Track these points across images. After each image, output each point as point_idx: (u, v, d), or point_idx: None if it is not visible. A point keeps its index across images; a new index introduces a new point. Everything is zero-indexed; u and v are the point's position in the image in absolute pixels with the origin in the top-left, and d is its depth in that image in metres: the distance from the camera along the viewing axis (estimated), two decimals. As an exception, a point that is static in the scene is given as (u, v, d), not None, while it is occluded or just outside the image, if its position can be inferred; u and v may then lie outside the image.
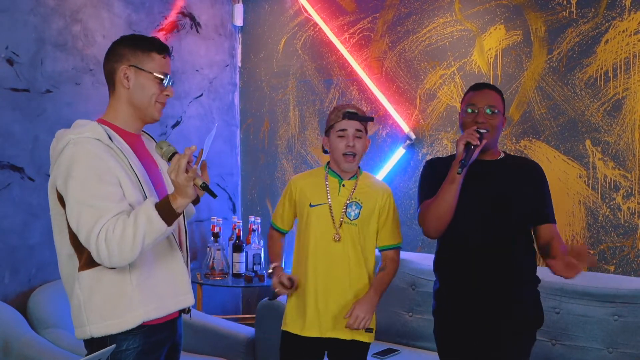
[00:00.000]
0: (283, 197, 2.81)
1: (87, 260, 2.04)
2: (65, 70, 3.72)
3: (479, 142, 2.42)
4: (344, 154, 2.63)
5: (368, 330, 2.62)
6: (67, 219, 2.05)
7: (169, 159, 2.02)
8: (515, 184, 2.54)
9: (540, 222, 2.55)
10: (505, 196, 2.51)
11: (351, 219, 2.64)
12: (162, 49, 2.19)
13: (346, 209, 2.64)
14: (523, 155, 3.57)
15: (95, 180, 1.98)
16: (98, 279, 2.05)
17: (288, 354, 2.72)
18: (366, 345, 2.71)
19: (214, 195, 2.01)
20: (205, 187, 2.00)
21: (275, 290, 2.66)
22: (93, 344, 2.09)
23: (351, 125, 2.61)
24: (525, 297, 2.55)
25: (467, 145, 2.42)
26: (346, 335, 2.65)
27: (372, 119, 2.72)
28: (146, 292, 2.08)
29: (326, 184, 2.69)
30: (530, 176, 2.58)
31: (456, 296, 2.57)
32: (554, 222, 2.56)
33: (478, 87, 2.59)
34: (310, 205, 2.67)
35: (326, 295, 2.64)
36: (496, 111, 2.52)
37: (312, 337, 2.66)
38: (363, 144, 2.66)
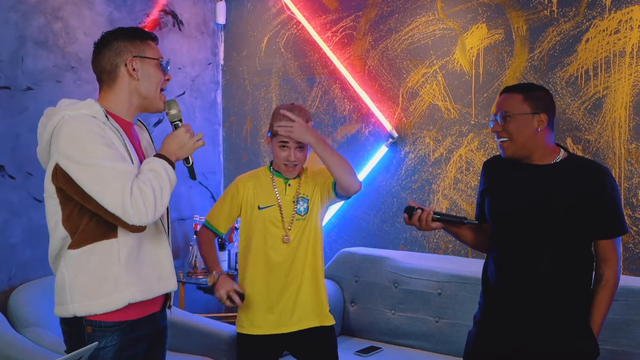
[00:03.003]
0: (225, 196, 2.73)
1: (78, 240, 2.04)
2: (46, 68, 3.69)
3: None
4: (285, 164, 2.62)
5: None
6: (60, 202, 2.05)
7: (173, 122, 2.23)
8: (566, 194, 2.26)
9: (594, 237, 2.31)
10: (549, 208, 2.26)
11: (302, 214, 2.66)
12: (154, 37, 2.26)
13: (295, 205, 2.65)
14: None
15: (104, 145, 1.99)
16: (86, 258, 2.05)
17: (246, 355, 2.71)
18: (331, 329, 2.72)
19: (193, 177, 2.25)
20: (191, 167, 2.24)
21: (225, 303, 2.57)
22: (72, 323, 2.08)
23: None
24: (574, 327, 2.30)
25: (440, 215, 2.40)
26: (312, 323, 2.66)
27: None
28: (133, 274, 2.08)
29: (273, 185, 2.67)
30: (589, 184, 2.27)
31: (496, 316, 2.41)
32: (614, 236, 2.29)
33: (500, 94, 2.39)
34: (259, 208, 2.66)
35: (282, 293, 2.65)
36: (507, 115, 2.28)
37: (271, 335, 2.66)
38: (304, 153, 2.63)
